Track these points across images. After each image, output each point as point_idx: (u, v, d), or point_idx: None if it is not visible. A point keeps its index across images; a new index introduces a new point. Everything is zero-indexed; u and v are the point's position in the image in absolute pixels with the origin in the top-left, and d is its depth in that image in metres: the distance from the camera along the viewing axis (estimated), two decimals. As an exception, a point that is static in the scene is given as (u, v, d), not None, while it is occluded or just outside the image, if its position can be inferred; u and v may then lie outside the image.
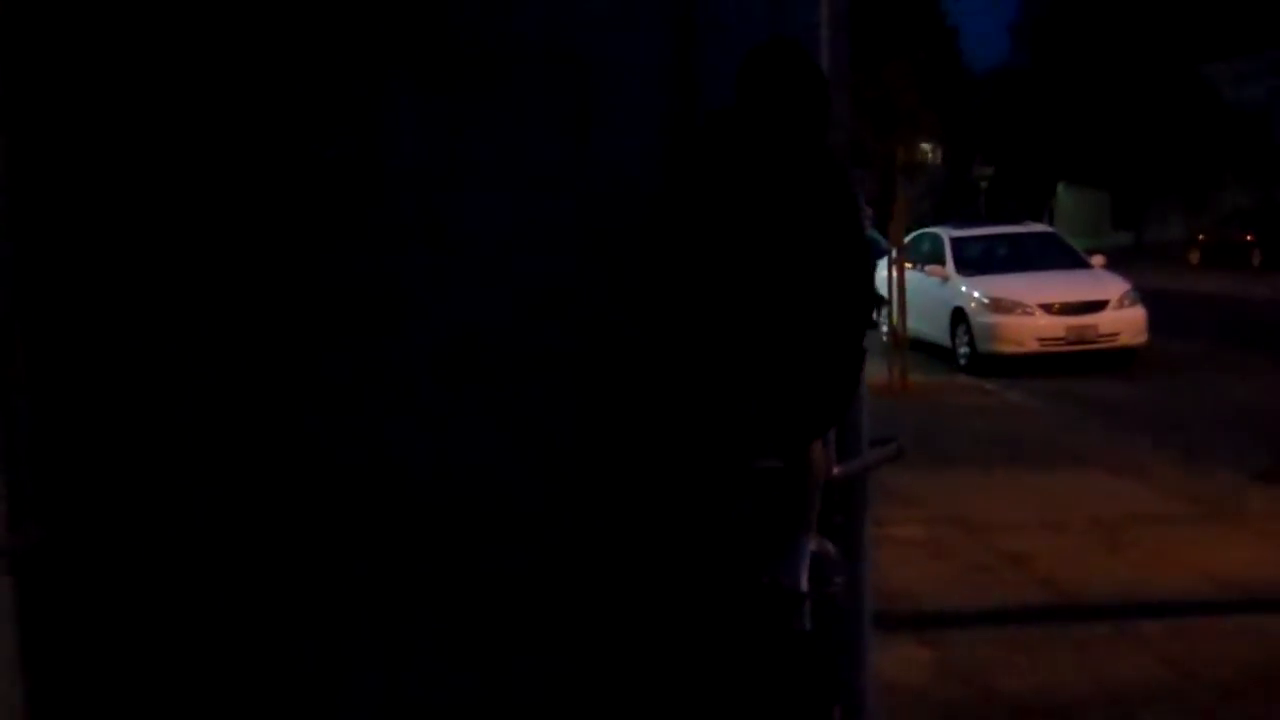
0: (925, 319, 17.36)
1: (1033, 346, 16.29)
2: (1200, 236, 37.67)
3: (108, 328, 3.87)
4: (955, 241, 18.48)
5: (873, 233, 21.36)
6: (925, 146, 33.81)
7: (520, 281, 3.95)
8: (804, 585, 3.76)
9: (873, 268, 4.21)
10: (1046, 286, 16.85)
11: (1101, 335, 16.27)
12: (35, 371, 3.78)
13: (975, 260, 18.16)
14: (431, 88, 3.87)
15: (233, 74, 3.86)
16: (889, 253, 16.17)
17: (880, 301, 18.43)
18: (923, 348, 17.36)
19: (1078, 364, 15.93)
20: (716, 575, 3.90)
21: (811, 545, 3.94)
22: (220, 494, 3.93)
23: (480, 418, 3.98)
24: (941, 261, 18.07)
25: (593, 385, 3.97)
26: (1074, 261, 18.23)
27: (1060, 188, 50.99)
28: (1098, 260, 18.25)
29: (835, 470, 4.09)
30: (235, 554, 3.97)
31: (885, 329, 16.34)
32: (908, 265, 17.09)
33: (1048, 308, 16.39)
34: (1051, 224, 37.67)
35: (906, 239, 18.21)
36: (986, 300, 16.73)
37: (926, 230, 19.78)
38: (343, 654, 4.03)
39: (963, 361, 16.87)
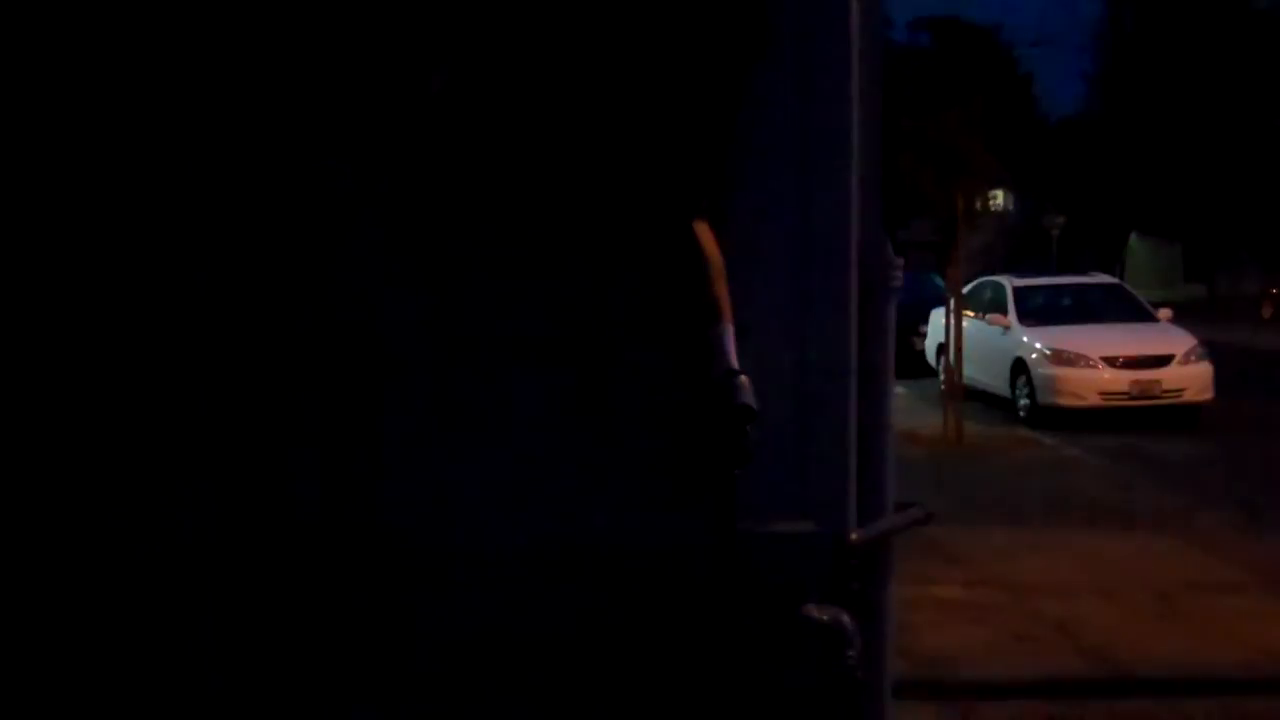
0: (985, 368, 17.06)
1: (1095, 400, 15.86)
2: (1274, 290, 36.89)
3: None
4: (1018, 290, 18.10)
5: (933, 277, 21.11)
6: (995, 194, 33.41)
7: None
8: (734, 363, 3.55)
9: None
10: (1110, 339, 16.45)
11: (1166, 391, 15.80)
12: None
13: (1038, 310, 17.78)
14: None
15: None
16: (947, 300, 15.84)
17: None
18: (982, 398, 17.05)
19: (1141, 420, 15.46)
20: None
21: (823, 615, 3.68)
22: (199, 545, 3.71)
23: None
24: (1004, 310, 17.71)
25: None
26: (1140, 314, 17.83)
27: (1133, 238, 50.31)
28: (1164, 314, 17.83)
29: (853, 535, 3.83)
30: (211, 610, 3.75)
31: (942, 377, 15.99)
32: (969, 313, 16.77)
33: (1111, 361, 15.97)
34: (1123, 275, 37.10)
35: (969, 286, 17.89)
36: (1048, 351, 16.32)
37: (989, 278, 19.41)
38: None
39: (1022, 414, 16.45)
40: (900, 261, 4.13)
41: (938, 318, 18.42)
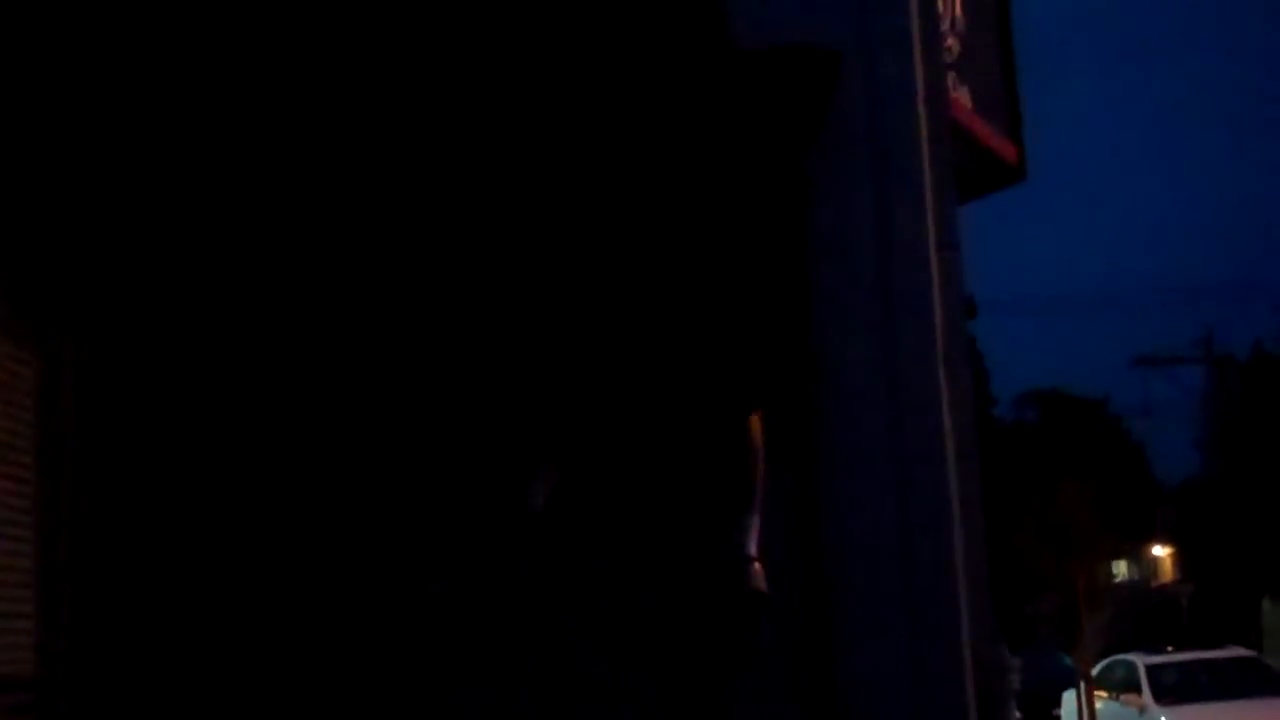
0: (1125, 752, 16.45)
1: (1243, 783, 15.13)
2: None
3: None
4: (1151, 669, 17.64)
5: (1062, 656, 20.62)
6: (1116, 566, 32.87)
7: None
8: (752, 551, 3.55)
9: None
10: (1251, 716, 15.79)
11: (1316, 768, 15.06)
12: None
13: (1173, 688, 17.22)
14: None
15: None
16: (1078, 680, 15.46)
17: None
18: (1123, 784, 16.35)
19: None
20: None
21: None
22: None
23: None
24: (1138, 690, 17.21)
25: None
26: (1279, 687, 17.17)
27: (1265, 603, 48.73)
28: (1304, 685, 17.17)
29: None
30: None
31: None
32: (1103, 694, 16.30)
33: (1254, 740, 15.32)
34: (1260, 643, 35.82)
35: (1100, 666, 17.45)
36: (1188, 733, 15.71)
37: (1120, 657, 18.97)
38: None
39: (1169, 800, 15.73)
40: (1017, 663, 4.13)
41: (1070, 701, 17.93)
